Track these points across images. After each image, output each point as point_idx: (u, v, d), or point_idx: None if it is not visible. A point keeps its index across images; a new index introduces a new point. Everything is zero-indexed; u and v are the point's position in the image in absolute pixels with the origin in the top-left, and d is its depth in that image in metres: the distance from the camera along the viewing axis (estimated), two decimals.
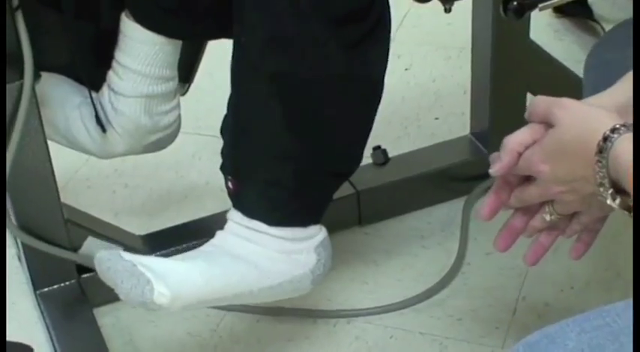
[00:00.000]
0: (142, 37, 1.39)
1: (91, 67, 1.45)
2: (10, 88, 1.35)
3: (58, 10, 1.41)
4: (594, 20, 2.15)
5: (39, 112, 1.39)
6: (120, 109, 1.43)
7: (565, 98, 1.00)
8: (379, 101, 1.34)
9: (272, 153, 1.30)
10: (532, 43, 1.73)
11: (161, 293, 1.26)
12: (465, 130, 1.81)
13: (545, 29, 2.14)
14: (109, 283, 1.30)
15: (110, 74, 1.43)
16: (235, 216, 1.36)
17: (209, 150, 1.88)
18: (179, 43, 1.42)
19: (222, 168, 1.37)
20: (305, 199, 1.34)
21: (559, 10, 2.17)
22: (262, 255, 1.34)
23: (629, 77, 1.02)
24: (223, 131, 1.36)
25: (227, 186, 1.36)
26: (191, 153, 1.90)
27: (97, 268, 1.31)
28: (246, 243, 1.34)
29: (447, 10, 1.37)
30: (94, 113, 1.44)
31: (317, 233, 1.37)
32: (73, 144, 1.50)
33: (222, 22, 1.37)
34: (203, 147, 1.90)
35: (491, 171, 1.06)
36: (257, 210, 1.33)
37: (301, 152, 1.29)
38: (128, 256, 1.29)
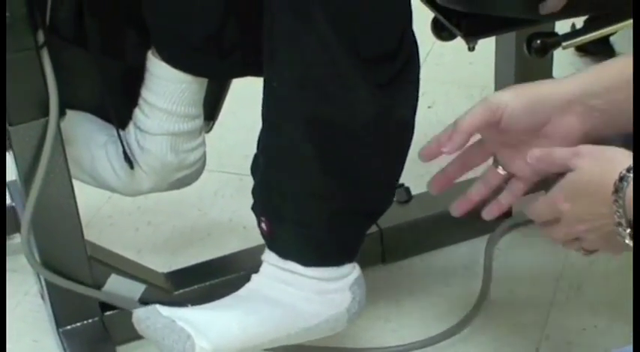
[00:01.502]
0: (169, 75, 1.40)
1: (117, 104, 1.46)
2: (36, 125, 1.36)
3: (83, 48, 1.43)
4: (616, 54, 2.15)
5: (64, 149, 1.40)
6: (146, 147, 1.44)
7: (580, 146, 1.00)
8: (411, 140, 1.34)
9: (306, 194, 1.31)
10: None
11: (202, 348, 1.27)
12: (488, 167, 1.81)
13: (567, 68, 2.14)
14: (150, 339, 1.31)
15: (136, 112, 1.44)
16: (270, 258, 1.36)
17: (232, 187, 1.89)
18: (205, 80, 1.43)
19: (254, 208, 1.38)
20: (339, 239, 1.34)
21: (581, 49, 2.18)
22: (298, 297, 1.34)
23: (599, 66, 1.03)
24: (254, 171, 1.37)
25: (260, 227, 1.36)
26: (214, 190, 1.90)
27: (137, 326, 1.32)
28: (282, 285, 1.34)
29: (471, 49, 1.37)
30: (121, 150, 1.45)
31: (351, 271, 1.37)
32: (99, 182, 1.50)
33: (249, 59, 1.38)
34: (226, 185, 1.91)
35: (444, 149, 1.07)
36: (291, 251, 1.34)
37: (335, 193, 1.30)
38: (166, 311, 1.30)
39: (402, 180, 1.71)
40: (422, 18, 1.45)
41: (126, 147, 1.45)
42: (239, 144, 1.92)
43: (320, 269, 1.34)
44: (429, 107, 2.10)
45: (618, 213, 0.95)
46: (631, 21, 1.31)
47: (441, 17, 1.40)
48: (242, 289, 1.36)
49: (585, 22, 1.37)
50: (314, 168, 1.28)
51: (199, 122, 1.46)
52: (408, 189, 1.73)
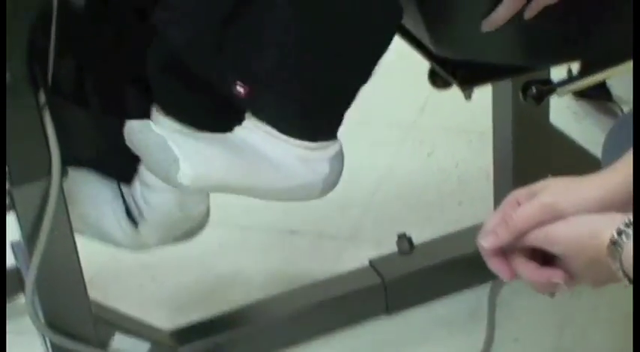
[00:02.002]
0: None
1: (121, 161, 1.46)
2: (38, 185, 1.37)
3: (84, 107, 1.44)
4: (613, 102, 2.16)
5: (67, 208, 1.40)
6: (152, 202, 1.45)
7: (552, 229, 0.98)
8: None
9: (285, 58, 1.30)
10: (552, 127, 1.75)
11: (184, 173, 1.28)
12: (489, 214, 1.81)
13: (564, 111, 2.15)
14: (137, 152, 1.33)
15: (141, 168, 1.45)
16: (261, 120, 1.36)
17: (235, 241, 1.89)
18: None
19: (222, 70, 1.34)
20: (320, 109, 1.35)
21: (578, 93, 2.19)
22: (282, 157, 1.35)
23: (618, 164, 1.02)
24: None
25: (234, 91, 1.34)
26: (217, 244, 1.90)
27: (128, 137, 1.33)
28: (269, 143, 1.35)
29: (468, 97, 1.38)
30: (125, 208, 1.46)
31: (332, 144, 1.38)
32: (104, 238, 1.51)
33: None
34: (229, 239, 1.91)
35: (485, 243, 1.03)
36: (274, 120, 1.34)
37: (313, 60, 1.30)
38: (159, 129, 1.32)
39: (403, 228, 1.72)
40: (418, 66, 1.47)
41: (130, 203, 1.45)
42: (241, 198, 1.93)
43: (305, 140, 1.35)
44: (428, 154, 2.11)
45: (619, 273, 0.94)
46: (626, 66, 1.33)
47: (436, 66, 1.41)
48: (232, 134, 1.36)
49: (581, 66, 1.38)
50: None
51: None
52: (410, 239, 1.73)
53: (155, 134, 1.31)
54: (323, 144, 1.36)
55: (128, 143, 1.33)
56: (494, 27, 1.26)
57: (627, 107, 2.12)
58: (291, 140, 1.34)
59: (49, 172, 1.36)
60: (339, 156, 1.39)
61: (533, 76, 1.40)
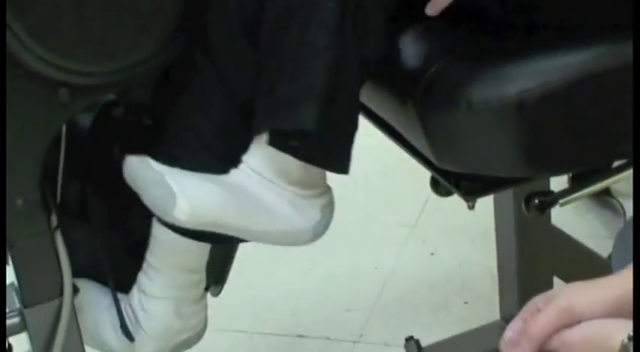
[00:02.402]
0: (174, 241, 1.43)
1: (119, 271, 1.48)
2: (51, 306, 1.38)
3: (85, 222, 1.46)
4: (612, 196, 2.19)
5: (78, 327, 1.42)
6: (150, 311, 1.46)
7: (568, 334, 0.99)
8: None
9: None
10: (554, 227, 1.77)
11: (181, 209, 1.30)
12: (495, 313, 1.83)
13: (565, 207, 2.17)
14: (135, 188, 1.34)
15: (140, 276, 1.47)
16: (253, 163, 1.37)
17: (242, 347, 1.90)
18: (208, 246, 1.46)
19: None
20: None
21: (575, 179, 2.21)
22: (275, 202, 1.36)
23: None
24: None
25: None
26: (224, 350, 1.91)
27: (126, 172, 1.34)
28: (263, 187, 1.36)
29: (471, 208, 1.41)
30: (125, 314, 1.47)
31: (324, 192, 1.41)
32: (101, 346, 1.51)
33: None
34: (236, 344, 1.91)
35: None
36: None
37: None
38: (157, 166, 1.33)
39: (410, 330, 1.73)
40: (419, 166, 1.49)
41: (128, 312, 1.47)
42: (248, 303, 1.95)
43: (298, 188, 1.37)
44: (431, 254, 2.13)
45: None
46: (626, 173, 1.36)
47: (439, 177, 1.44)
48: (227, 176, 1.37)
49: (583, 175, 1.41)
50: None
51: (202, 286, 1.49)
52: (417, 342, 1.74)
53: (153, 170, 1.33)
54: (316, 193, 1.39)
55: (127, 178, 1.35)
56: (438, 11, 1.31)
57: (625, 200, 2.15)
58: (284, 185, 1.36)
59: (61, 292, 1.38)
60: (331, 205, 1.42)
61: (535, 184, 1.44)
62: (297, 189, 1.37)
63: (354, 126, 1.36)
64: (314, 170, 1.38)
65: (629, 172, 1.36)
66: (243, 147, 1.37)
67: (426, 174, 1.52)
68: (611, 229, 2.11)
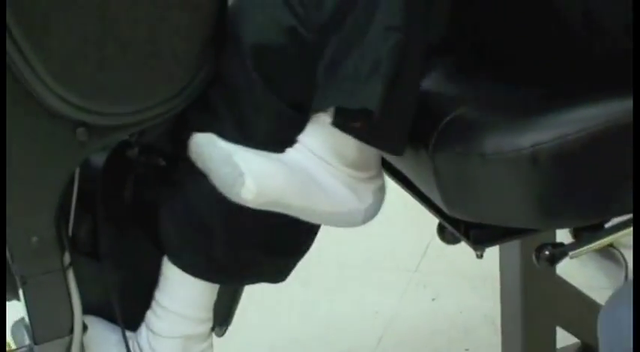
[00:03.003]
0: (184, 280, 1.44)
1: (128, 309, 1.48)
2: (60, 343, 1.38)
3: (95, 260, 1.47)
4: (614, 247, 2.20)
5: None
6: (158, 349, 1.46)
7: None
8: None
9: None
10: (559, 277, 1.78)
11: (248, 188, 1.30)
12: None
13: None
14: (201, 165, 1.34)
15: (149, 314, 1.47)
16: (311, 144, 1.37)
17: None
18: (216, 286, 1.47)
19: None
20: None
21: (578, 233, 2.23)
22: (332, 183, 1.37)
23: None
24: None
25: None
26: None
27: (193, 149, 1.34)
28: (320, 167, 1.37)
29: (479, 256, 1.42)
30: (134, 348, 1.47)
31: (377, 176, 1.41)
32: None
33: (268, 269, 1.43)
34: None
35: None
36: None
37: None
38: (223, 144, 1.33)
39: None
40: (420, 210, 1.51)
41: (135, 351, 1.47)
42: (249, 345, 1.95)
43: (352, 169, 1.38)
44: (433, 300, 2.14)
45: None
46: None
47: (448, 225, 1.45)
48: (286, 155, 1.37)
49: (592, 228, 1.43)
50: None
51: (209, 324, 1.49)
52: None
53: (220, 148, 1.33)
54: (369, 175, 1.40)
55: (192, 156, 1.35)
56: None
57: (626, 251, 2.16)
58: (340, 166, 1.37)
59: (71, 330, 1.38)
60: (382, 190, 1.42)
61: (541, 234, 1.45)
62: (352, 170, 1.38)
63: (411, 110, 1.36)
64: (369, 152, 1.38)
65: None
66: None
67: (427, 219, 1.53)
68: (613, 280, 2.13)
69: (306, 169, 1.36)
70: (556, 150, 1.26)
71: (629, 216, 1.38)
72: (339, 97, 1.31)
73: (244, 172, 1.30)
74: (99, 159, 1.47)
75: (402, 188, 1.53)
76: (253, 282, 1.51)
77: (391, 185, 1.52)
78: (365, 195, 1.40)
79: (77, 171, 1.39)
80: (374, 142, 1.36)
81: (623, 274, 2.11)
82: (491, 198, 1.31)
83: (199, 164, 1.34)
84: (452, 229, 1.44)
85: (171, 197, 1.45)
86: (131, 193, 1.50)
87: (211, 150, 1.33)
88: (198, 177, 1.42)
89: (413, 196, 1.50)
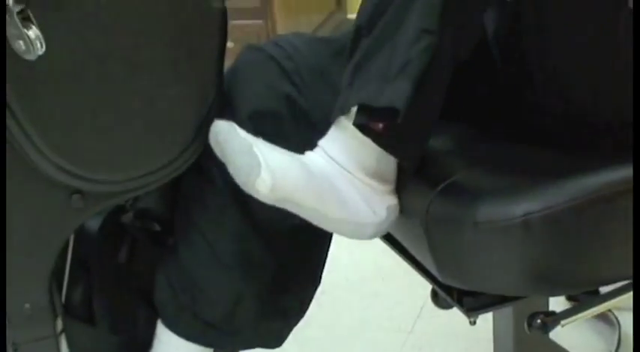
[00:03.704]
0: (178, 344, 1.45)
1: None
2: None
3: (90, 325, 1.47)
4: (608, 310, 2.20)
5: None
6: None
7: None
8: None
9: None
10: (552, 341, 1.78)
11: (264, 179, 1.29)
12: None
13: None
14: (220, 153, 1.33)
15: None
16: (333, 152, 1.37)
17: None
18: (210, 350, 1.48)
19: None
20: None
21: (573, 298, 2.23)
22: (348, 190, 1.36)
23: None
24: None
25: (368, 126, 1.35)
26: None
27: (214, 137, 1.33)
28: (338, 175, 1.36)
29: (472, 323, 1.42)
30: None
31: (392, 192, 1.40)
32: None
33: (263, 335, 1.44)
34: None
35: None
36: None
37: None
38: (244, 134, 1.32)
39: None
40: (415, 272, 1.50)
41: None
42: None
43: (372, 181, 1.37)
44: None
45: None
46: (627, 295, 1.38)
47: (441, 292, 1.45)
48: (305, 156, 1.37)
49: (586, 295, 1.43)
50: None
51: None
52: None
53: (241, 137, 1.32)
54: (385, 190, 1.39)
55: (212, 143, 1.34)
56: None
57: (621, 313, 2.16)
58: (358, 175, 1.36)
59: None
60: (396, 208, 1.41)
61: (534, 300, 1.45)
62: (369, 180, 1.37)
63: (433, 119, 1.36)
64: (386, 164, 1.38)
65: (630, 294, 1.38)
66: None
67: (422, 280, 1.53)
68: (606, 342, 2.12)
69: (324, 172, 1.36)
70: (547, 219, 1.27)
71: (623, 282, 1.39)
72: (365, 95, 1.31)
73: (262, 163, 1.30)
74: (94, 223, 1.48)
75: (396, 253, 1.54)
76: (248, 347, 1.51)
77: (384, 244, 1.53)
78: (379, 209, 1.39)
79: (72, 235, 1.40)
80: (392, 149, 1.35)
81: (617, 337, 2.11)
82: (484, 266, 1.32)
83: (217, 151, 1.34)
84: (445, 295, 1.45)
85: (166, 261, 1.46)
86: (126, 257, 1.51)
87: (232, 138, 1.32)
88: (192, 242, 1.44)
89: (407, 262, 1.51)
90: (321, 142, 1.37)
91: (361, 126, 1.33)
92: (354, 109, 1.32)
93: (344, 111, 1.34)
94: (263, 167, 1.29)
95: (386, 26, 1.31)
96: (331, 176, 1.35)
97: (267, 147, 1.33)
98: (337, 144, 1.36)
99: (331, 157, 1.36)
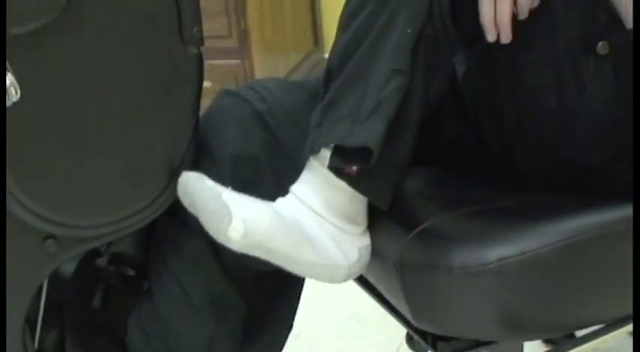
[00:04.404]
0: None
1: None
2: None
3: None
4: None
5: None
6: None
7: None
8: None
9: None
10: None
11: (235, 228, 1.29)
12: None
13: None
14: (190, 204, 1.33)
15: None
16: (302, 195, 1.37)
17: None
18: None
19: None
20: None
21: (550, 341, 2.23)
22: (319, 234, 1.36)
23: None
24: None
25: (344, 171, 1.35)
26: None
27: (182, 187, 1.33)
28: (309, 217, 1.36)
29: None
30: None
31: (364, 234, 1.40)
32: None
33: None
34: None
35: None
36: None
37: None
38: (212, 184, 1.32)
39: None
40: (389, 316, 1.51)
41: None
42: None
43: (341, 221, 1.37)
44: None
45: None
46: (604, 337, 1.38)
47: (416, 336, 1.45)
48: (274, 203, 1.37)
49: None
50: None
51: None
52: None
53: (210, 187, 1.32)
54: (357, 231, 1.39)
55: (181, 194, 1.34)
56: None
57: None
58: (330, 218, 1.37)
59: None
60: (368, 249, 1.41)
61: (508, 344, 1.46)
62: (341, 223, 1.38)
63: (406, 159, 1.36)
64: (358, 206, 1.38)
65: (608, 336, 1.38)
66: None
67: (398, 323, 1.53)
68: None
69: (295, 218, 1.36)
70: (521, 264, 1.27)
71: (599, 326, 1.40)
72: (337, 135, 1.32)
73: (232, 211, 1.30)
74: (69, 267, 1.47)
75: (371, 297, 1.54)
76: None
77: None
78: (351, 251, 1.39)
79: (46, 279, 1.39)
80: (366, 190, 1.36)
81: None
82: (458, 311, 1.32)
83: (186, 202, 1.34)
84: (419, 339, 1.45)
85: (140, 306, 1.46)
86: (100, 302, 1.51)
87: (202, 189, 1.32)
88: (166, 286, 1.43)
89: (381, 305, 1.51)
90: (293, 187, 1.38)
91: (335, 169, 1.33)
92: (326, 152, 1.33)
93: (314, 151, 1.35)
94: (234, 215, 1.30)
95: (356, 67, 1.33)
96: (302, 221, 1.36)
97: (236, 196, 1.33)
98: (309, 188, 1.37)
99: (303, 202, 1.37)
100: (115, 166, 1.29)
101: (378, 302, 1.52)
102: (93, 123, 1.26)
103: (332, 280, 1.39)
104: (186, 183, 1.33)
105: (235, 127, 1.44)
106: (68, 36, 1.22)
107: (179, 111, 1.34)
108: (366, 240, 1.41)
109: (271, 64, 3.26)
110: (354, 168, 1.34)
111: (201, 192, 1.32)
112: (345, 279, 1.40)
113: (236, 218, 1.29)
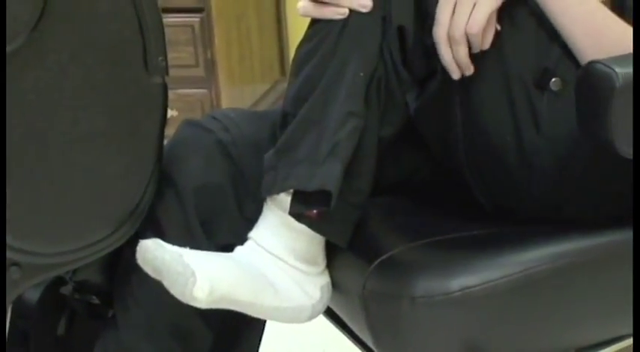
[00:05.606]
0: None
1: None
2: None
3: None
4: None
5: None
6: None
7: None
8: None
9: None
10: None
11: (201, 287, 1.29)
12: None
13: None
14: (152, 270, 1.32)
15: None
16: (261, 241, 1.38)
17: None
18: None
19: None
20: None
21: None
22: (281, 278, 1.37)
23: None
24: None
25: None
26: None
27: (142, 255, 1.33)
28: (270, 263, 1.37)
29: None
30: None
31: (323, 272, 1.42)
32: None
33: None
34: None
35: None
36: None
37: None
38: (171, 246, 1.32)
39: None
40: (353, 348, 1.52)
41: None
42: None
43: (302, 264, 1.39)
44: None
45: None
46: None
47: None
48: (234, 253, 1.37)
49: None
50: None
51: None
52: None
53: (170, 251, 1.32)
54: (317, 271, 1.41)
55: (141, 262, 1.34)
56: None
57: None
58: (290, 261, 1.38)
59: None
60: (329, 286, 1.43)
61: None
62: (301, 265, 1.39)
63: (364, 198, 1.38)
64: (317, 246, 1.40)
65: None
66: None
67: None
68: None
69: (255, 265, 1.37)
70: (483, 293, 1.28)
71: None
72: (295, 179, 1.33)
73: (195, 271, 1.30)
74: (33, 295, 1.47)
75: (336, 328, 1.55)
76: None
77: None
78: (313, 291, 1.40)
79: (10, 307, 1.39)
80: (326, 232, 1.38)
81: None
82: (422, 340, 1.33)
83: (148, 269, 1.34)
84: None
85: (104, 334, 1.46)
86: (65, 330, 1.50)
87: (162, 254, 1.33)
88: (130, 314, 1.43)
89: (346, 336, 1.52)
90: (252, 234, 1.39)
91: (296, 215, 1.35)
92: (284, 195, 1.35)
93: (271, 194, 1.36)
94: (198, 275, 1.31)
95: (311, 111, 1.34)
96: (264, 267, 1.37)
97: (196, 255, 1.34)
98: (268, 233, 1.38)
99: (263, 247, 1.38)
100: (78, 195, 1.29)
101: (342, 332, 1.53)
102: (57, 151, 1.26)
103: (296, 321, 1.41)
104: (145, 250, 1.34)
105: (198, 157, 1.44)
106: (31, 65, 1.22)
107: (143, 140, 1.34)
108: (326, 278, 1.43)
109: (238, 94, 3.27)
110: (314, 211, 1.35)
111: (162, 257, 1.32)
112: (310, 319, 1.42)
113: (200, 278, 1.30)
